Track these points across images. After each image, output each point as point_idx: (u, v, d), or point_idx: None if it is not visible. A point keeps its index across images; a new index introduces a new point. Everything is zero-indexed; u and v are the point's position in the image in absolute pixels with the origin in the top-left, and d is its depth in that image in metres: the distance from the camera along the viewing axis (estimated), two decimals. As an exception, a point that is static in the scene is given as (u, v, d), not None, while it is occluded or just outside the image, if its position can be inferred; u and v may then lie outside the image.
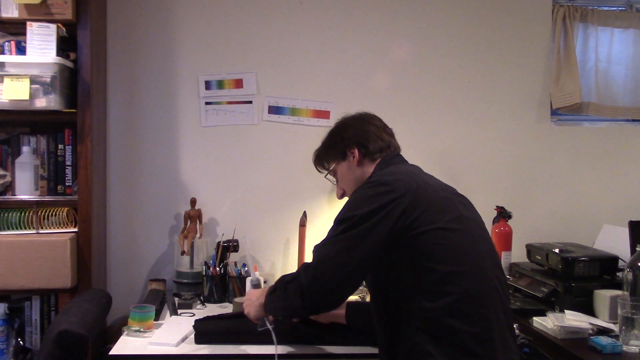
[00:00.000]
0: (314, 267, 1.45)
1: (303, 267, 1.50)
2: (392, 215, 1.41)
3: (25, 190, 2.22)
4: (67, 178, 2.29)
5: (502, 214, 2.44)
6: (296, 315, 1.74)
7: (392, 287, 1.45)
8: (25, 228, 2.20)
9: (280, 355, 1.74)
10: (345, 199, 1.71)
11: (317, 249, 1.49)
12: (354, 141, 1.69)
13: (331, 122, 1.82)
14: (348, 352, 1.78)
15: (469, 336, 1.35)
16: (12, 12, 2.15)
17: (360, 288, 2.20)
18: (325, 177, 1.81)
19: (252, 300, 1.69)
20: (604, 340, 1.73)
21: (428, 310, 1.37)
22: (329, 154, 1.76)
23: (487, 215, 2.51)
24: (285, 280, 1.54)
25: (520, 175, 2.69)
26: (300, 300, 1.45)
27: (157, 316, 2.02)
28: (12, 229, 2.20)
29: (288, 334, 1.79)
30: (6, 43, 2.17)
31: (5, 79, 2.08)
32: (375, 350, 1.74)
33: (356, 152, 1.68)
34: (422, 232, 1.40)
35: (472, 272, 1.40)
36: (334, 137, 1.75)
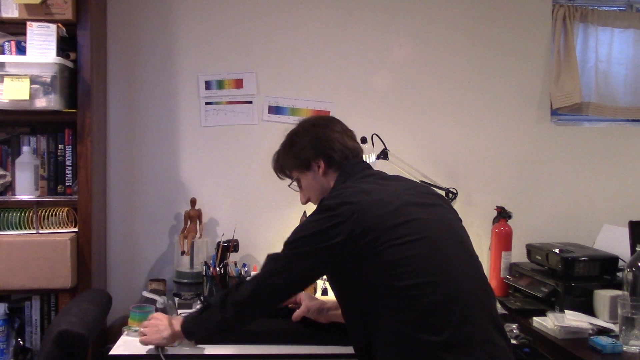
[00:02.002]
0: (257, 282, 1.55)
1: (239, 283, 1.60)
2: (337, 238, 1.42)
3: (25, 190, 2.22)
4: (67, 178, 2.29)
5: (502, 214, 2.44)
6: (228, 328, 1.65)
7: (360, 306, 1.46)
8: (25, 228, 2.20)
9: (280, 356, 1.74)
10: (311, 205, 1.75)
11: (264, 265, 1.56)
12: (320, 152, 1.67)
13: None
14: (348, 352, 1.77)
15: (440, 346, 1.33)
16: (12, 12, 2.15)
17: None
18: (289, 186, 1.81)
19: (159, 328, 1.69)
20: (604, 340, 1.73)
21: (396, 324, 1.37)
22: (292, 162, 1.74)
23: (487, 215, 2.52)
24: (220, 296, 1.61)
25: (520, 175, 2.69)
26: (233, 312, 1.56)
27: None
28: (12, 229, 2.20)
29: (288, 334, 1.79)
30: (6, 43, 2.17)
31: (5, 79, 2.08)
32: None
33: (322, 163, 1.67)
34: (378, 252, 1.40)
35: (436, 281, 1.38)
36: (297, 147, 1.72)
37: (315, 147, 1.68)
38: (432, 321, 1.35)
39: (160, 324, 1.70)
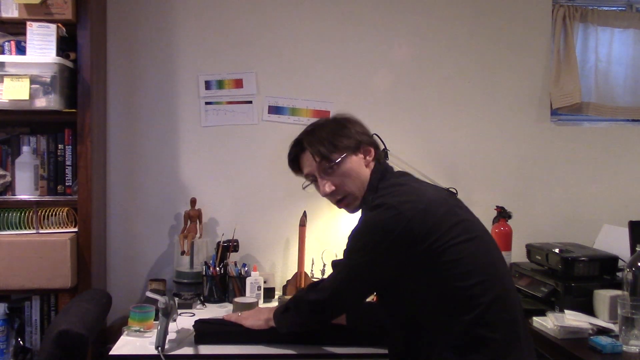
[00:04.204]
0: (332, 290, 1.56)
1: (310, 287, 1.67)
2: (404, 239, 1.41)
3: (25, 190, 2.22)
4: (67, 178, 2.29)
5: (502, 214, 2.44)
6: (308, 327, 1.76)
7: (418, 309, 1.45)
8: (25, 228, 2.20)
9: (280, 355, 1.74)
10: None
11: (335, 272, 1.60)
12: (369, 141, 1.67)
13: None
14: (348, 352, 1.77)
15: (497, 343, 1.36)
16: (12, 12, 2.15)
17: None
18: (303, 186, 1.74)
19: (259, 317, 1.83)
20: (604, 340, 1.73)
21: (456, 325, 1.37)
22: (341, 140, 1.61)
23: (487, 215, 2.51)
24: (295, 300, 1.71)
25: (520, 175, 2.69)
26: (313, 316, 1.64)
27: (157, 316, 2.02)
28: (12, 229, 2.20)
29: (288, 334, 1.79)
30: (6, 43, 2.17)
31: (5, 79, 2.08)
32: (375, 351, 1.74)
33: (372, 151, 1.66)
34: (440, 252, 1.40)
35: (492, 278, 1.42)
36: (349, 129, 1.65)
37: (365, 134, 1.68)
38: (489, 319, 1.37)
39: (261, 312, 1.85)
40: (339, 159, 1.61)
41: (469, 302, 1.37)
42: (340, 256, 1.60)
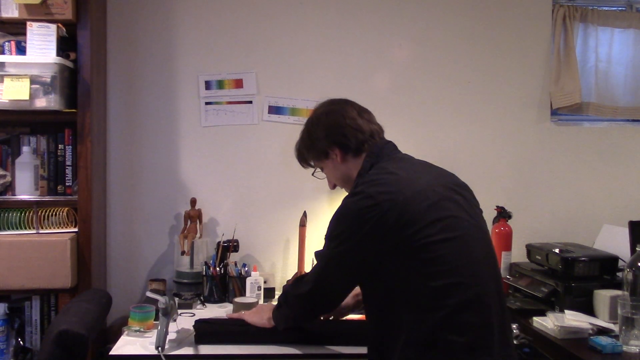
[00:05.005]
0: (314, 280, 1.58)
1: (297, 279, 1.68)
2: (378, 230, 1.40)
3: (25, 190, 2.22)
4: (67, 178, 2.29)
5: (502, 214, 2.44)
6: (302, 321, 1.78)
7: (386, 302, 1.44)
8: (25, 228, 2.20)
9: (280, 356, 1.75)
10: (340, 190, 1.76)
11: (316, 264, 1.61)
12: (333, 141, 1.64)
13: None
14: (348, 352, 1.77)
15: (462, 347, 1.33)
16: (12, 12, 2.15)
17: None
18: (312, 174, 1.81)
19: (262, 315, 1.84)
20: (604, 340, 1.73)
21: (421, 324, 1.36)
22: (310, 153, 1.74)
23: (487, 215, 2.49)
24: (283, 294, 1.72)
25: (520, 175, 2.69)
26: (302, 309, 1.66)
27: (158, 316, 2.02)
28: (12, 229, 2.20)
29: (289, 334, 1.79)
30: (6, 43, 2.17)
31: (5, 79, 2.08)
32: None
33: (338, 151, 1.65)
34: (418, 247, 1.37)
35: (467, 281, 1.38)
36: (312, 137, 1.71)
37: (328, 136, 1.65)
38: (457, 322, 1.34)
39: (263, 310, 1.86)
40: (316, 170, 1.79)
41: (437, 303, 1.35)
42: None
